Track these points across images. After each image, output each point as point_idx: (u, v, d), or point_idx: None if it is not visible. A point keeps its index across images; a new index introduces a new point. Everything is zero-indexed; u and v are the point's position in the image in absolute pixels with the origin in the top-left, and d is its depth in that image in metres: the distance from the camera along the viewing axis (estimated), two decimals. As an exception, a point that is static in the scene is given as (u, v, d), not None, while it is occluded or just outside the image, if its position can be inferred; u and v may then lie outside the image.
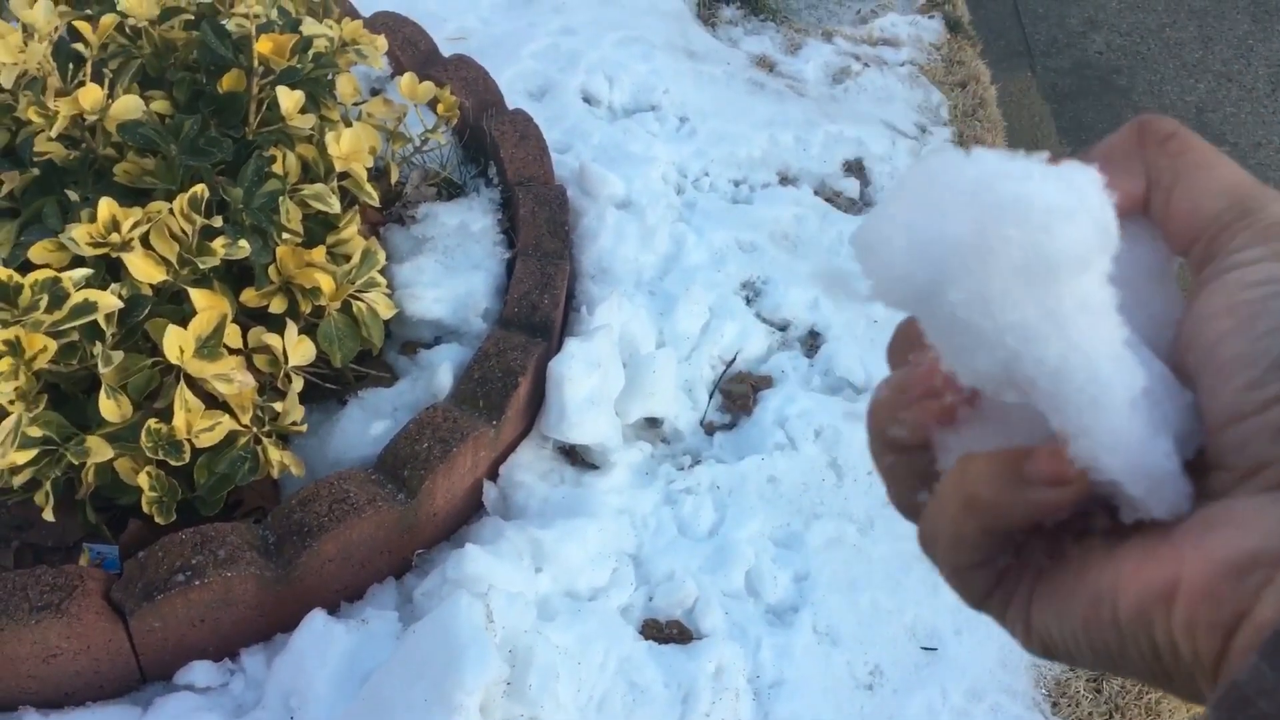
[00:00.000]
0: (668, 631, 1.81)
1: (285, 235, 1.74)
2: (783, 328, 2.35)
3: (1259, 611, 0.29)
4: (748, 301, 2.37)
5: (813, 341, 2.33)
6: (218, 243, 1.60)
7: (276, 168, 1.79)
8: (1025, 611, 0.38)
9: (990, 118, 3.09)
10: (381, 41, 2.07)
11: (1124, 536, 0.35)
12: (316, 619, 1.62)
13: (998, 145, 2.98)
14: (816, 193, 2.70)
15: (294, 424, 1.69)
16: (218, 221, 1.62)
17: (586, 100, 2.78)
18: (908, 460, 0.40)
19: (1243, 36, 3.87)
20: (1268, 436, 0.31)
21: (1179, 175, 0.37)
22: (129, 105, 1.65)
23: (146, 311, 1.56)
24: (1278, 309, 0.32)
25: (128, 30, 1.80)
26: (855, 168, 2.80)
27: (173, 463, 1.52)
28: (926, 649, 1.87)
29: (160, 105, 1.77)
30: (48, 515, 1.52)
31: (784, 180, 2.71)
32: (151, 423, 1.51)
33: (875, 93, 3.05)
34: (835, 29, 3.33)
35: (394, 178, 2.13)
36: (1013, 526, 0.36)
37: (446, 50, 2.59)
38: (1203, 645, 0.31)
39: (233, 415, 1.62)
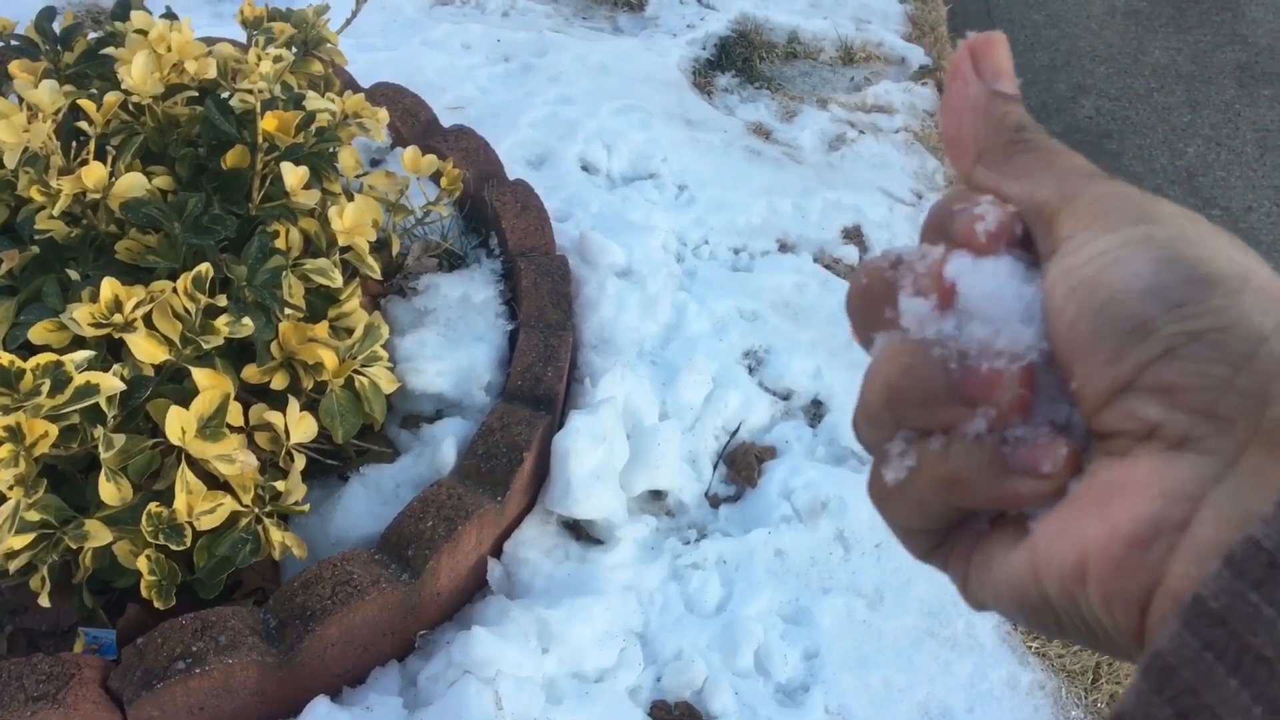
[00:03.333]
0: (677, 713, 1.77)
1: (288, 311, 1.73)
2: (786, 397, 2.33)
3: (1169, 581, 0.30)
4: (750, 371, 2.36)
5: (816, 411, 2.32)
6: (221, 321, 1.58)
7: (279, 242, 1.78)
8: (964, 571, 0.38)
9: (985, 183, 3.10)
10: (384, 114, 2.07)
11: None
12: (319, 706, 1.58)
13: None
14: (816, 260, 2.70)
15: (296, 504, 1.66)
16: (221, 299, 1.60)
17: (585, 169, 2.78)
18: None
19: (1229, 101, 3.91)
20: (1149, 400, 0.31)
21: (1023, 172, 0.38)
22: (132, 183, 1.63)
23: (148, 392, 1.53)
24: (1109, 279, 0.32)
25: (130, 107, 1.80)
26: (854, 235, 2.80)
27: (174, 547, 1.49)
28: (940, 728, 1.84)
29: (162, 180, 1.75)
30: (44, 601, 1.49)
31: (783, 248, 2.71)
32: (152, 506, 1.48)
33: (871, 159, 3.06)
34: (830, 96, 3.35)
35: (395, 249, 2.12)
36: (983, 509, 0.37)
37: (446, 120, 2.60)
38: (1120, 619, 0.31)
39: (234, 495, 1.59)
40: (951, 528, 0.38)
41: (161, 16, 1.94)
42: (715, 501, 2.13)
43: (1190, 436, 0.31)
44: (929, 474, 0.36)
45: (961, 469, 0.35)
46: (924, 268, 0.37)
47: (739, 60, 3.47)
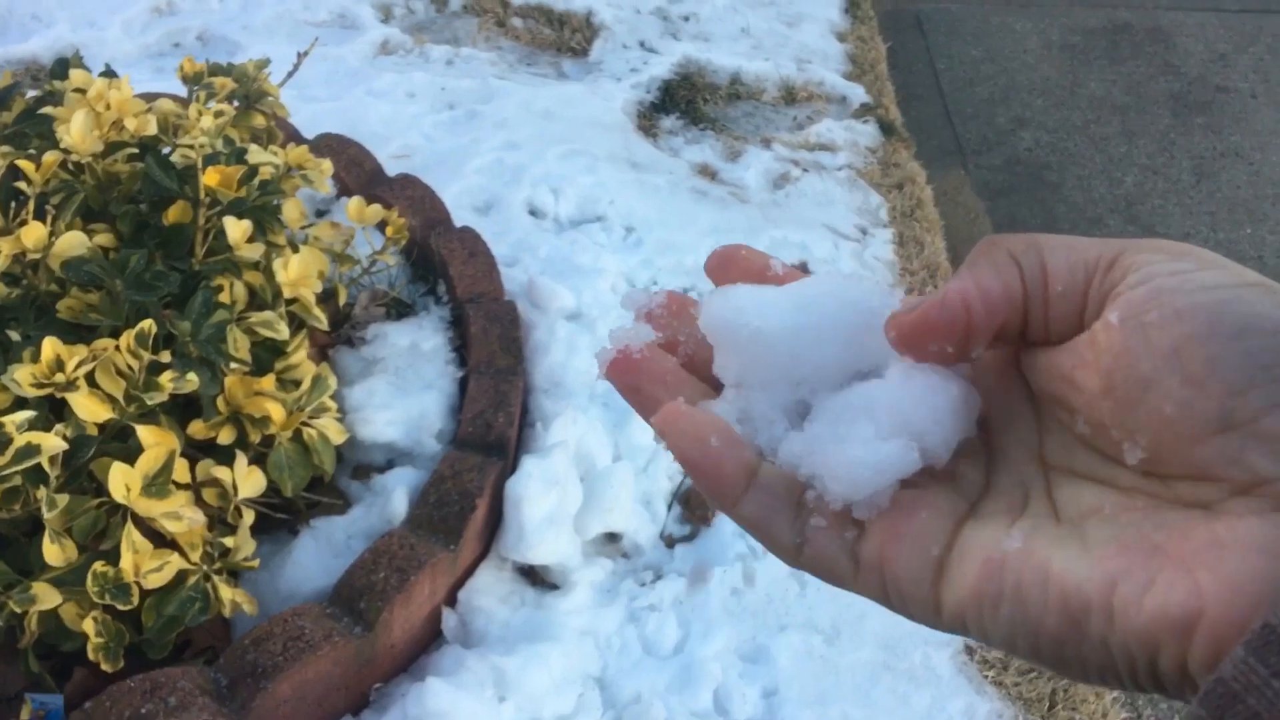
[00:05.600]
0: (637, 757, 1.76)
1: (234, 365, 1.72)
2: (738, 435, 2.34)
3: None
4: (702, 410, 2.36)
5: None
6: (165, 377, 1.56)
7: (223, 296, 1.77)
8: (928, 587, 0.36)
9: (928, 217, 3.15)
10: (327, 165, 2.08)
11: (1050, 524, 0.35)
12: (273, 764, 1.55)
13: (937, 243, 3.04)
14: (764, 298, 2.71)
15: (246, 560, 1.64)
16: (165, 356, 1.59)
17: (532, 213, 2.80)
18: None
19: (1164, 131, 4.01)
20: (1266, 451, 0.29)
21: (1043, 248, 0.37)
22: (73, 242, 1.62)
23: (92, 451, 1.52)
24: (1236, 311, 0.30)
25: (70, 165, 1.79)
26: (801, 271, 2.83)
27: (121, 607, 1.47)
28: (900, 761, 1.84)
29: (103, 238, 1.74)
30: (-12, 668, 1.46)
31: (731, 286, 2.73)
32: (98, 566, 1.46)
33: (816, 197, 3.10)
34: (773, 136, 3.39)
35: (342, 299, 2.12)
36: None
37: (391, 169, 2.60)
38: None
39: (181, 553, 1.57)
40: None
41: (101, 74, 1.94)
42: (670, 542, 2.13)
43: None
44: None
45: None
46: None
47: (683, 103, 3.51)
